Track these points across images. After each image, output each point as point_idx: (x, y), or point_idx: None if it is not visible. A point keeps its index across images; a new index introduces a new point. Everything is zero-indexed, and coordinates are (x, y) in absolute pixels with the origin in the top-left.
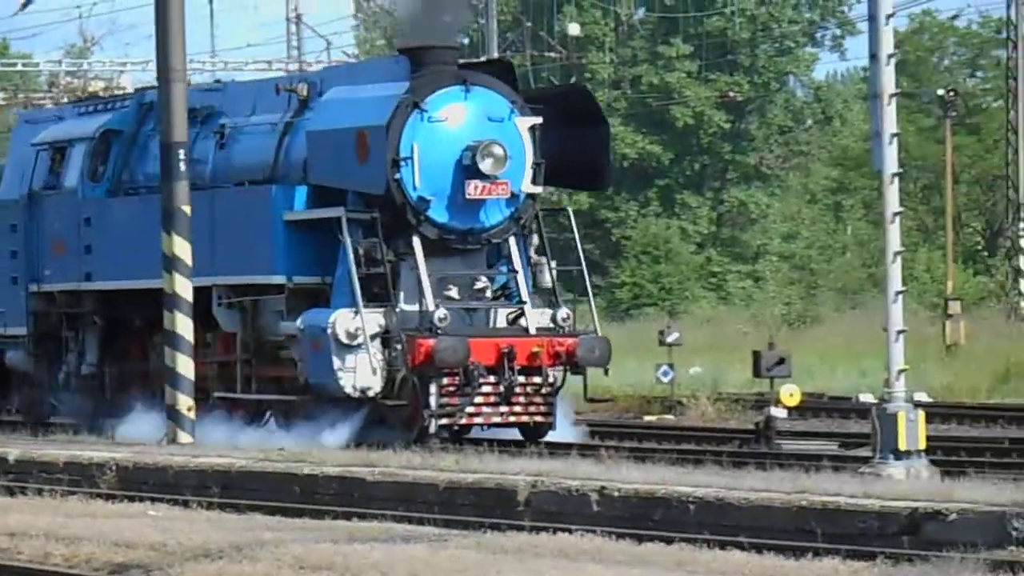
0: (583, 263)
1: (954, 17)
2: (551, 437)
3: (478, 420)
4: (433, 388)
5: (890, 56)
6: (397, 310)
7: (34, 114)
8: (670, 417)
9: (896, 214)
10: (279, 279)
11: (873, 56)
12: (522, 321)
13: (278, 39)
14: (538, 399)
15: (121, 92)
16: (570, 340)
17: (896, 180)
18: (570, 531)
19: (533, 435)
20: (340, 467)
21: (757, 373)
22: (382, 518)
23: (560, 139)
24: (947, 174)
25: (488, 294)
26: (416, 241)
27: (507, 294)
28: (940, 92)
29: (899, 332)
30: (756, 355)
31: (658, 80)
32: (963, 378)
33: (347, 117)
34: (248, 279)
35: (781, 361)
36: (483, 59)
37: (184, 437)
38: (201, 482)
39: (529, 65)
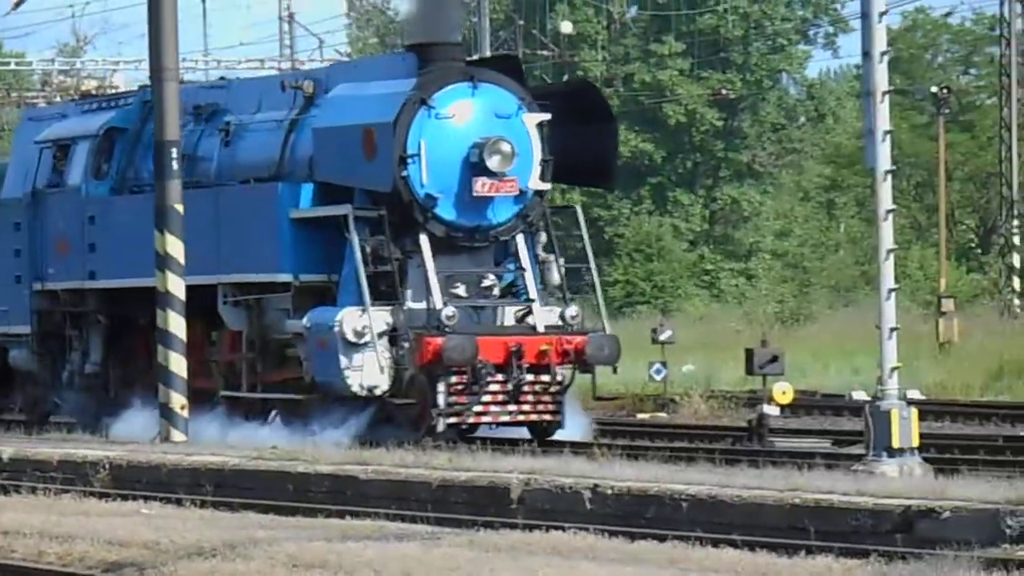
0: (591, 261)
1: (947, 14)
2: (559, 435)
3: (486, 419)
4: (441, 387)
5: (883, 53)
6: (404, 308)
7: (38, 112)
8: (663, 415)
9: (889, 211)
10: (285, 277)
11: (866, 53)
12: (530, 319)
13: (271, 38)
14: (546, 398)
15: (114, 91)
16: (579, 338)
17: (889, 177)
18: (563, 529)
19: (542, 434)
20: (333, 465)
21: (750, 371)
22: (375, 516)
23: (568, 136)
24: (940, 171)
25: (496, 292)
26: (423, 239)
27: (515, 292)
28: (933, 89)
29: (892, 329)
30: (749, 353)
31: (650, 78)
32: (956, 376)
33: (354, 114)
34: (254, 277)
35: (774, 359)
36: (490, 55)
37: (177, 435)
38: (194, 480)
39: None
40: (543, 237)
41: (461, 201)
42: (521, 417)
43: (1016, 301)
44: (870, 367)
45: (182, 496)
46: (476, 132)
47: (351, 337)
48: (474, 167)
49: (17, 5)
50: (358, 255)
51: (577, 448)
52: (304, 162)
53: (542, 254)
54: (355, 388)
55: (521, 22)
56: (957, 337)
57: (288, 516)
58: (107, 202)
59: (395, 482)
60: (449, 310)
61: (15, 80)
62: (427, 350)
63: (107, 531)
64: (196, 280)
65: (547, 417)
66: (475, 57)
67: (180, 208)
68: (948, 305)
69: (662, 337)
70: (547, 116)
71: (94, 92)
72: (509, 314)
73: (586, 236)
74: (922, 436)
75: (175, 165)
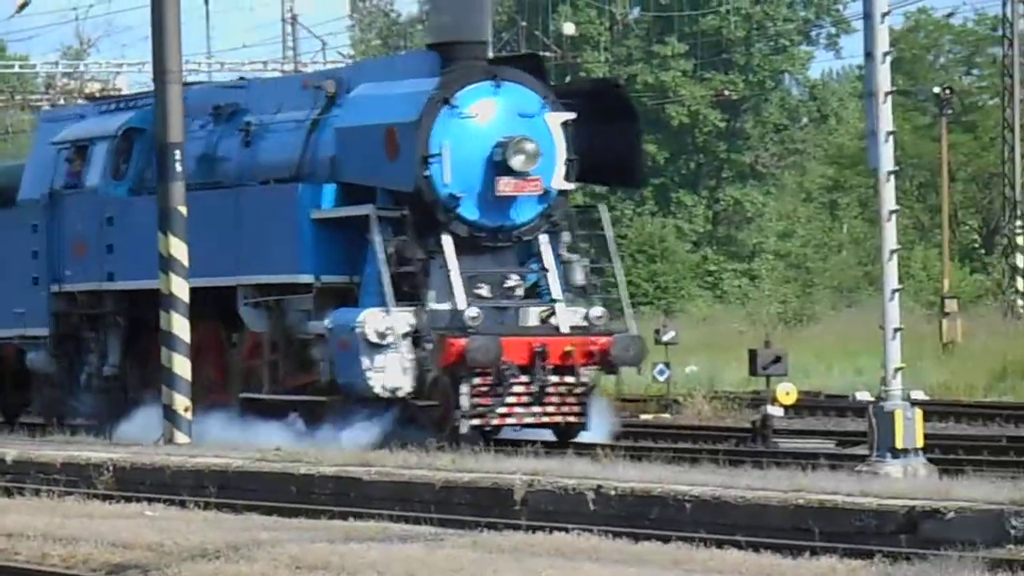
0: (616, 261)
1: (950, 15)
2: (584, 437)
3: (510, 420)
4: (464, 388)
5: (885, 54)
6: (427, 309)
7: (55, 113)
8: (666, 416)
9: (892, 212)
10: (307, 278)
11: (868, 54)
12: (554, 320)
13: (274, 40)
14: (571, 399)
15: (117, 93)
16: (603, 339)
17: (892, 178)
18: (567, 530)
19: (566, 436)
20: (336, 467)
21: (753, 372)
22: (379, 518)
23: (592, 135)
24: (943, 172)
25: (519, 293)
26: (446, 239)
27: (538, 292)
28: (936, 90)
29: (896, 330)
30: (752, 353)
31: (653, 79)
32: (960, 376)
33: (376, 114)
34: (275, 278)
35: (777, 359)
36: (513, 54)
37: (181, 437)
38: (198, 482)
39: None
40: (567, 237)
41: (484, 201)
42: (545, 419)
43: (1019, 302)
44: (874, 368)
45: (186, 498)
46: (499, 131)
47: (374, 338)
48: (497, 166)
49: (21, 8)
50: (381, 255)
51: (581, 449)
52: (326, 162)
53: (566, 254)
54: (377, 390)
55: (524, 23)
56: (961, 338)
57: (291, 518)
58: (126, 203)
59: (398, 483)
60: (473, 311)
61: (19, 83)
62: (450, 351)
63: (111, 533)
64: (216, 282)
65: (571, 419)
66: (498, 55)
67: (183, 210)
68: (951, 306)
69: (665, 338)
70: (571, 115)
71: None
72: (533, 315)
73: (610, 236)
74: (926, 437)
75: (179, 167)
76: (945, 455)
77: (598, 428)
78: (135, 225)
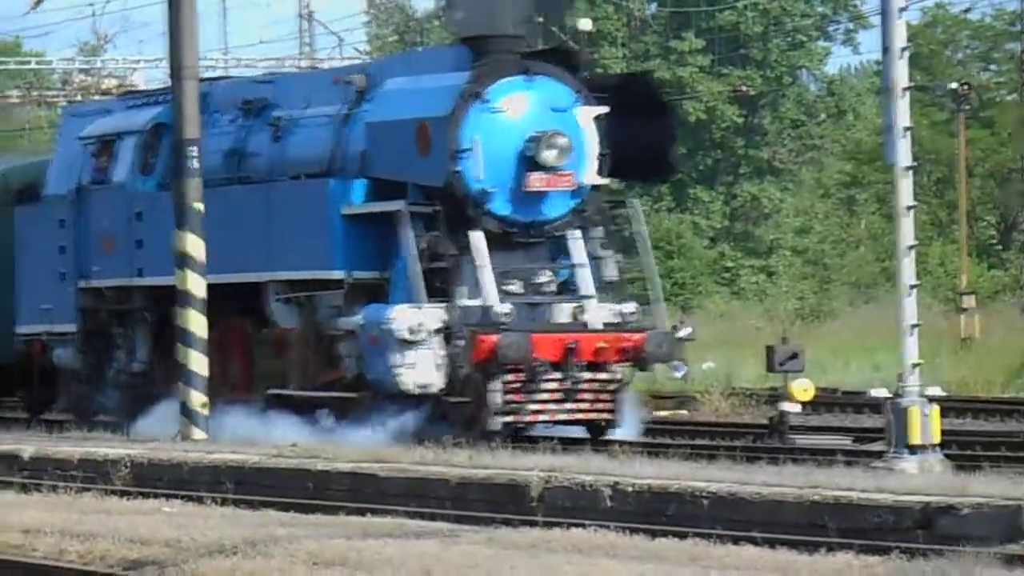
0: (651, 256)
1: (967, 10)
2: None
3: (542, 417)
4: (496, 385)
5: (903, 49)
6: (458, 305)
7: (81, 108)
8: (683, 412)
9: (909, 208)
10: (337, 274)
11: (886, 49)
12: (586, 316)
13: (290, 36)
14: (604, 396)
15: (133, 89)
16: (637, 335)
17: (909, 174)
18: (583, 526)
19: (598, 433)
20: (352, 463)
21: (770, 368)
22: (395, 514)
23: (625, 129)
24: (960, 167)
25: (551, 288)
26: (477, 235)
27: (570, 289)
28: (953, 85)
29: (913, 326)
30: (769, 350)
31: (670, 75)
32: (977, 372)
33: (408, 108)
34: (305, 274)
35: (794, 356)
36: (546, 47)
37: (198, 433)
38: (215, 478)
39: None
40: (598, 232)
41: (516, 196)
42: (578, 416)
43: None
44: (891, 364)
45: (203, 494)
46: (531, 126)
47: (405, 335)
48: (529, 161)
49: (37, 4)
50: (412, 251)
51: (597, 446)
52: (356, 157)
53: (598, 250)
54: (408, 386)
55: (540, 19)
56: (978, 333)
57: (308, 514)
58: (154, 198)
59: (414, 480)
60: (505, 307)
61: (36, 79)
62: (482, 348)
63: (128, 529)
64: (245, 277)
65: (604, 416)
66: (530, 49)
67: (200, 207)
68: (969, 301)
69: (682, 334)
70: (604, 109)
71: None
72: (565, 311)
73: (645, 231)
74: (943, 433)
75: (195, 163)
76: (962, 451)
77: (630, 425)
78: (164, 220)
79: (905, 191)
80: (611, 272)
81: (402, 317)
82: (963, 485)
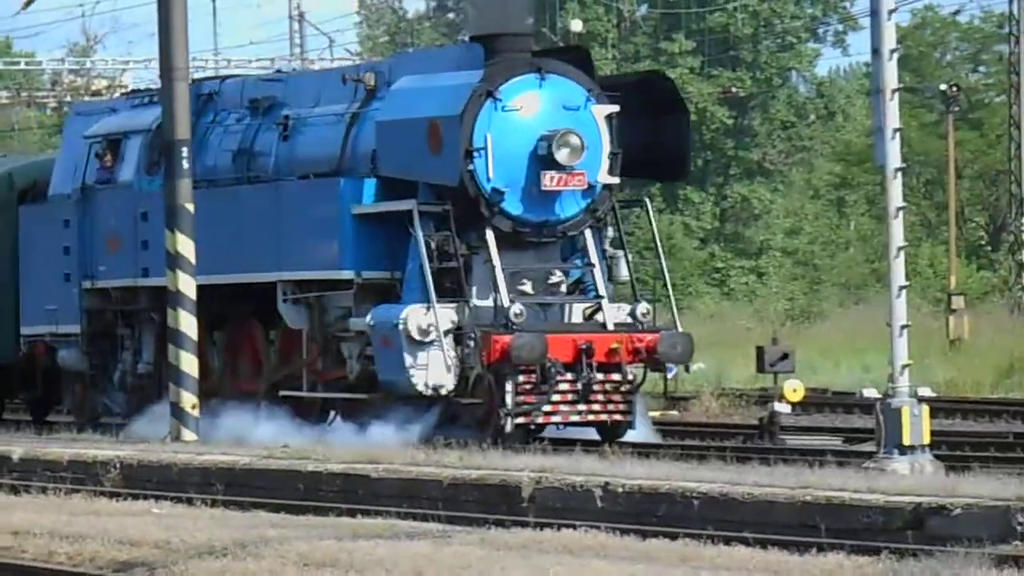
0: (662, 256)
1: (956, 12)
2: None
3: (555, 419)
4: (509, 386)
5: (892, 51)
6: (470, 305)
7: (86, 107)
8: (674, 413)
9: (899, 209)
10: (347, 274)
11: (875, 51)
12: (599, 316)
13: (281, 37)
14: (617, 397)
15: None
16: (650, 336)
17: (899, 175)
18: (574, 527)
19: (611, 435)
20: (344, 464)
21: (761, 368)
22: (386, 515)
23: (638, 128)
24: (950, 169)
25: (563, 289)
26: (489, 234)
27: (582, 289)
28: (942, 87)
29: (903, 327)
30: (760, 351)
31: None
32: (967, 373)
33: (419, 107)
34: (315, 274)
35: (785, 356)
36: (559, 46)
37: (188, 435)
38: (205, 480)
39: None
40: (611, 232)
41: (528, 195)
42: (591, 417)
43: None
44: (881, 364)
45: (193, 495)
46: (543, 124)
47: (416, 335)
48: (542, 160)
49: (27, 5)
50: (423, 251)
51: (588, 446)
52: (366, 156)
53: (610, 249)
54: (420, 387)
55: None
56: (968, 334)
57: (299, 515)
58: (160, 198)
59: (406, 480)
60: (517, 307)
61: (25, 80)
62: (495, 348)
63: (118, 531)
64: (254, 278)
65: (617, 417)
66: (543, 48)
67: (190, 207)
68: (958, 302)
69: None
70: (616, 108)
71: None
72: (577, 311)
73: (656, 230)
74: (933, 433)
75: (185, 164)
76: (952, 452)
77: (643, 427)
78: None
79: (895, 192)
80: (623, 272)
81: (413, 317)
82: (953, 486)
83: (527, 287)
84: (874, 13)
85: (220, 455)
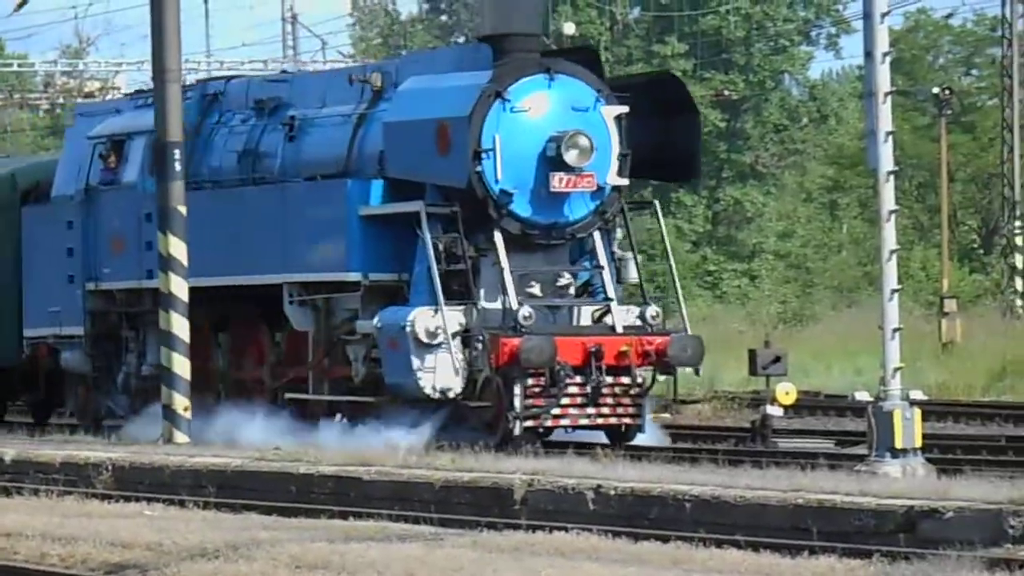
0: (671, 258)
1: (949, 16)
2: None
3: (564, 422)
4: (517, 389)
5: (885, 54)
6: (478, 308)
7: (90, 108)
8: (666, 415)
9: (892, 212)
10: (354, 276)
11: (868, 54)
12: (608, 319)
13: (273, 39)
14: (626, 400)
15: (116, 92)
16: (660, 339)
17: (891, 178)
18: (566, 530)
19: (620, 438)
20: (336, 466)
21: (753, 371)
22: (378, 517)
23: (648, 129)
24: (942, 172)
25: (572, 291)
26: (498, 236)
27: (590, 291)
28: (935, 90)
29: (895, 330)
30: (752, 353)
31: None
32: (959, 376)
33: (427, 108)
34: (321, 276)
35: (777, 359)
36: (567, 47)
37: (180, 437)
38: (197, 482)
39: None
40: (619, 234)
41: (537, 197)
42: (600, 420)
43: (1018, 302)
44: (873, 368)
45: (185, 497)
46: (552, 126)
47: (424, 338)
48: (551, 162)
49: (20, 6)
50: (431, 253)
51: (580, 449)
52: (373, 158)
53: (619, 251)
54: (428, 390)
55: None
56: (960, 337)
57: (291, 517)
58: None
59: (398, 483)
60: (526, 310)
61: (18, 81)
62: (503, 351)
63: (110, 533)
64: (260, 279)
65: (627, 420)
66: (551, 48)
67: (183, 209)
68: (951, 305)
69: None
70: (625, 109)
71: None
72: (586, 314)
73: (664, 232)
74: (925, 436)
75: (177, 166)
76: (944, 455)
77: (652, 430)
78: None
79: (887, 195)
80: (632, 274)
81: (421, 320)
82: (945, 489)
83: (535, 289)
84: (867, 16)
85: (212, 457)
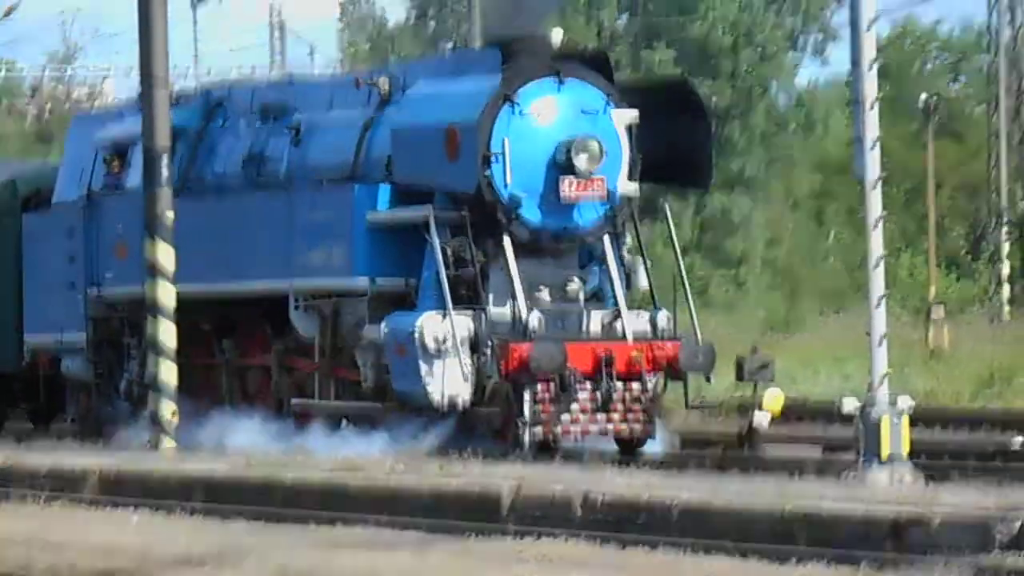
0: (680, 263)
1: (936, 23)
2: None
3: (574, 429)
4: (527, 396)
5: (872, 62)
6: (487, 314)
7: (91, 114)
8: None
9: (879, 219)
10: (361, 282)
11: (855, 62)
12: (618, 325)
13: (261, 45)
14: (637, 407)
15: (104, 98)
16: (670, 345)
17: (878, 186)
18: (554, 536)
19: (631, 446)
20: (323, 473)
21: (740, 378)
22: (366, 524)
23: (659, 134)
24: (929, 179)
25: (581, 297)
26: (506, 241)
27: (600, 297)
28: (922, 98)
29: (882, 337)
30: (739, 360)
31: None
32: (947, 383)
33: (435, 113)
34: (328, 282)
35: (764, 366)
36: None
37: (168, 443)
38: (184, 489)
39: None
40: (629, 239)
41: (546, 202)
42: (611, 428)
43: (1005, 308)
44: (861, 374)
45: (172, 504)
46: (562, 130)
47: (431, 344)
48: (560, 167)
49: (8, 13)
50: (439, 258)
51: (568, 456)
52: (380, 163)
53: (628, 257)
54: (436, 397)
55: None
56: (947, 344)
57: (278, 524)
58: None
59: (385, 490)
60: (536, 316)
61: (6, 88)
62: (513, 357)
63: (97, 539)
64: (266, 285)
65: (637, 428)
66: (561, 52)
67: (171, 215)
68: (938, 312)
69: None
70: (635, 113)
71: (84, 101)
72: (595, 320)
73: (674, 237)
74: (912, 443)
75: (165, 173)
76: (931, 462)
77: (661, 439)
78: (179, 228)
79: (874, 203)
80: (641, 280)
81: (429, 326)
82: (933, 496)
83: (544, 295)
84: (854, 24)
85: (199, 464)
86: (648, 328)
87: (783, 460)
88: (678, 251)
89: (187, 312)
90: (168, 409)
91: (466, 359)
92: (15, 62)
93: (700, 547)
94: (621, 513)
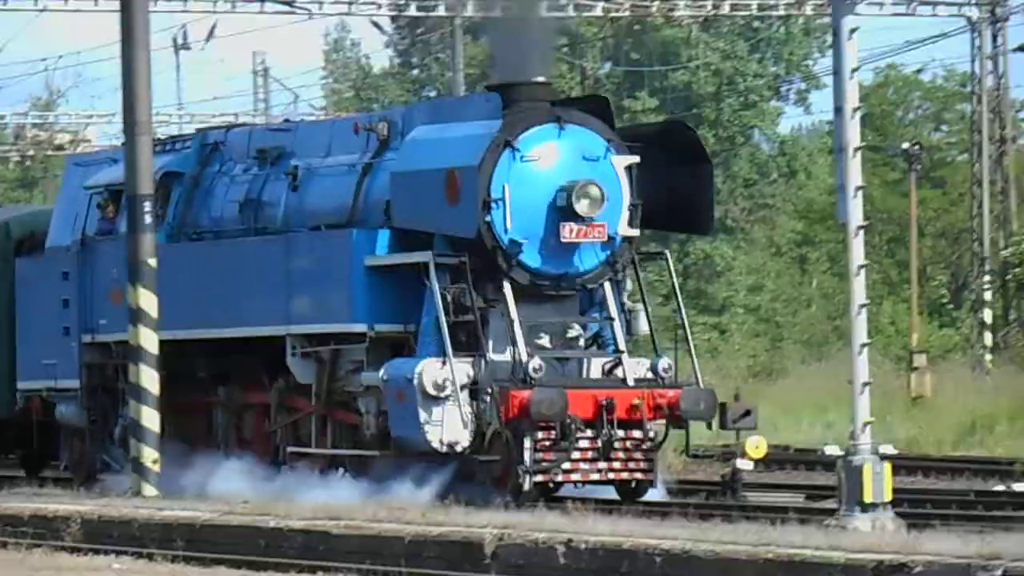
0: (682, 309)
1: (919, 71)
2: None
3: (575, 477)
4: (527, 443)
5: (855, 110)
6: (487, 360)
7: (85, 157)
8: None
9: (861, 267)
10: (360, 327)
11: (838, 110)
12: (619, 371)
13: (245, 92)
14: (638, 455)
15: (87, 145)
16: (672, 392)
17: (861, 233)
18: None
19: (631, 494)
20: (305, 520)
21: (723, 425)
22: (348, 571)
23: (660, 179)
24: (912, 227)
25: (581, 343)
26: (507, 287)
27: (600, 342)
28: (905, 145)
29: (864, 384)
30: (722, 407)
31: None
32: (929, 430)
33: (435, 157)
34: (326, 327)
35: (747, 413)
36: (578, 95)
37: (149, 490)
38: (166, 535)
39: None
40: (630, 285)
41: (547, 247)
42: (611, 475)
43: (987, 356)
44: (843, 422)
45: (153, 551)
46: (563, 175)
47: (431, 390)
48: (561, 212)
49: None
50: (439, 303)
51: (551, 502)
52: (379, 207)
53: (629, 303)
54: (435, 444)
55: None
56: (929, 392)
57: (260, 571)
58: (164, 250)
59: (368, 537)
60: (536, 362)
61: None
62: (513, 404)
63: None
64: (263, 331)
65: (638, 475)
66: (561, 97)
67: (153, 262)
68: (920, 360)
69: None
70: (636, 159)
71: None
72: (596, 366)
73: (676, 284)
74: (895, 491)
75: (148, 219)
76: (914, 509)
77: (661, 487)
78: (175, 273)
79: (857, 250)
80: (642, 325)
81: (429, 371)
82: (915, 543)
83: (545, 341)
84: (836, 72)
85: (181, 511)
86: (649, 374)
87: (765, 507)
88: (680, 299)
89: (182, 357)
90: (149, 456)
91: (466, 405)
92: None
93: None
94: (604, 560)
